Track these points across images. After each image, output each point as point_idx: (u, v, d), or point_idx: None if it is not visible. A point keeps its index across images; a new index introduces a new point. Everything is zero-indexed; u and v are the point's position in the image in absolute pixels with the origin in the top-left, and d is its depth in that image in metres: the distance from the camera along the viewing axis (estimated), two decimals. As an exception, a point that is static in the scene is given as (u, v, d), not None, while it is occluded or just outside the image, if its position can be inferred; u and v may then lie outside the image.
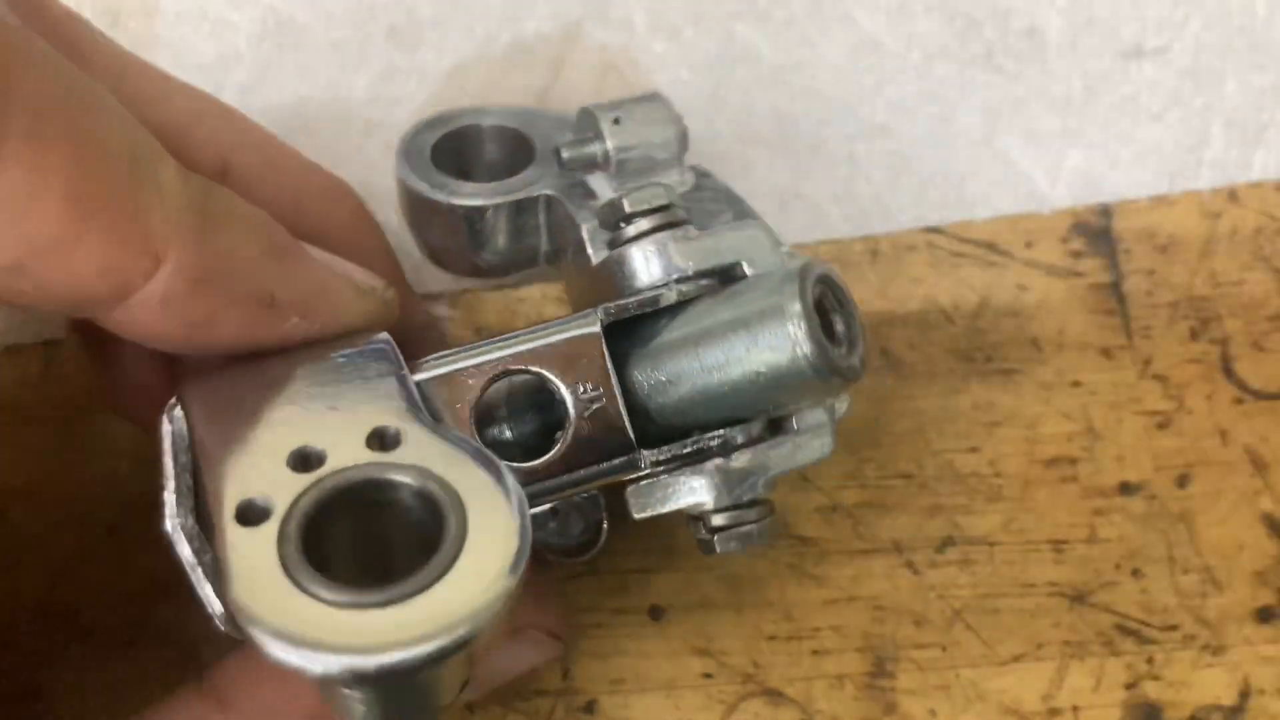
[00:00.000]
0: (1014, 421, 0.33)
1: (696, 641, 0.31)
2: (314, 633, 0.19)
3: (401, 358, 0.25)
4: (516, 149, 0.33)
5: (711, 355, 0.25)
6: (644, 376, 0.26)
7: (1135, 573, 0.31)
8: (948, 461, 0.32)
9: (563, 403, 0.26)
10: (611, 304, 0.26)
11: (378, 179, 0.34)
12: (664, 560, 0.32)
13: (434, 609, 0.19)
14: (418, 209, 0.32)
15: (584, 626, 0.31)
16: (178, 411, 0.24)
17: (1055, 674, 0.30)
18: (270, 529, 0.20)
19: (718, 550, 0.27)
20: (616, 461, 0.26)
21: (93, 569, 0.32)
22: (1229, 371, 0.33)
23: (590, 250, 0.29)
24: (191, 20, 0.39)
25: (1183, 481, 0.32)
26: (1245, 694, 0.30)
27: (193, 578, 0.23)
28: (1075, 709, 0.30)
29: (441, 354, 0.26)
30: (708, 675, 0.31)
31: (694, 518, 0.27)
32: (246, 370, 0.24)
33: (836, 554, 0.32)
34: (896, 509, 0.32)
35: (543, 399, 0.27)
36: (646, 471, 0.26)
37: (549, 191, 0.31)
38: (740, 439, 0.27)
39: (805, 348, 0.24)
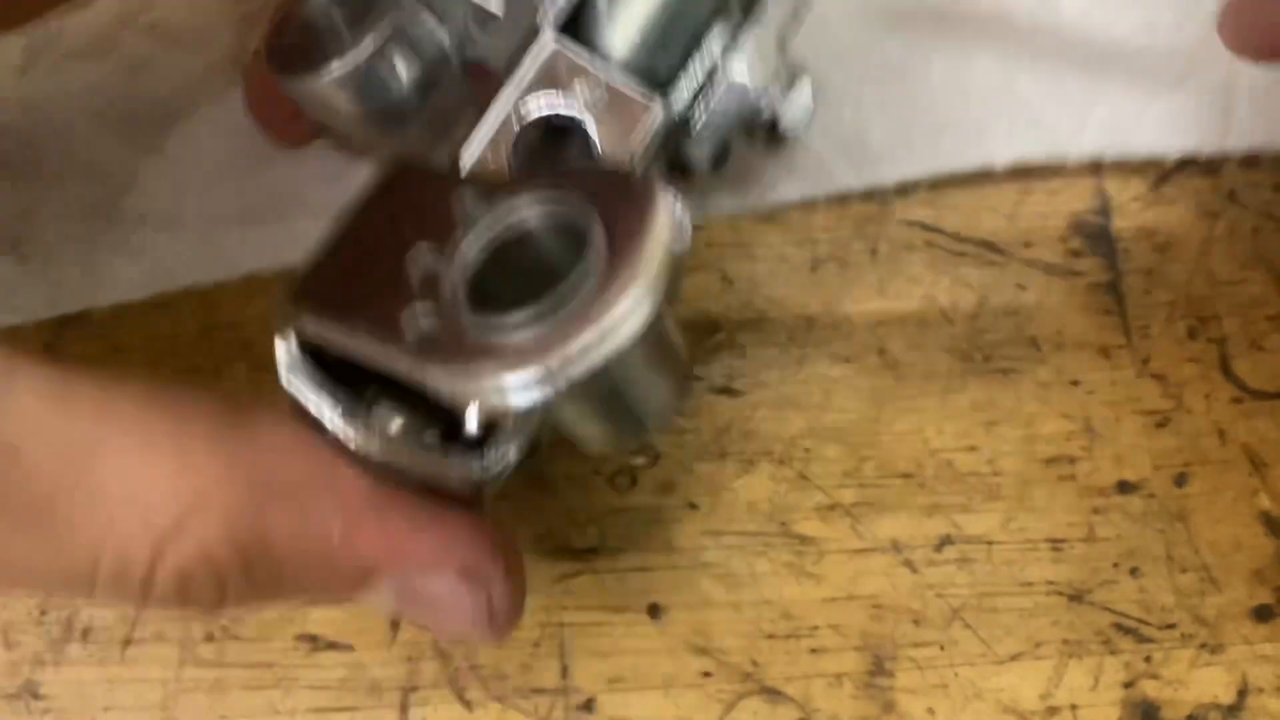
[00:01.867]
0: (1012, 420, 0.33)
1: (695, 640, 0.31)
2: (507, 360, 0.19)
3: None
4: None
5: None
6: (620, 38, 0.27)
7: (1133, 571, 0.31)
8: (946, 460, 0.32)
9: (573, 109, 0.26)
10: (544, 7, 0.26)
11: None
12: (663, 558, 0.32)
13: (605, 297, 0.20)
14: (326, 114, 0.30)
15: (583, 625, 0.31)
16: (288, 347, 0.24)
17: (1053, 672, 0.30)
18: (433, 315, 0.21)
19: (789, 131, 0.28)
20: (652, 123, 0.26)
21: (92, 568, 0.32)
22: (1227, 371, 0.33)
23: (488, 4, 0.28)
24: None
25: (1181, 480, 0.32)
26: (1243, 692, 0.30)
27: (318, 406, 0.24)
28: (1073, 707, 0.30)
29: (459, 148, 0.26)
30: (706, 674, 0.31)
31: (747, 128, 0.28)
32: (332, 254, 0.24)
33: (835, 553, 0.32)
34: (895, 508, 0.32)
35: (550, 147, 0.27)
36: (683, 109, 0.27)
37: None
38: (730, 28, 0.27)
39: None
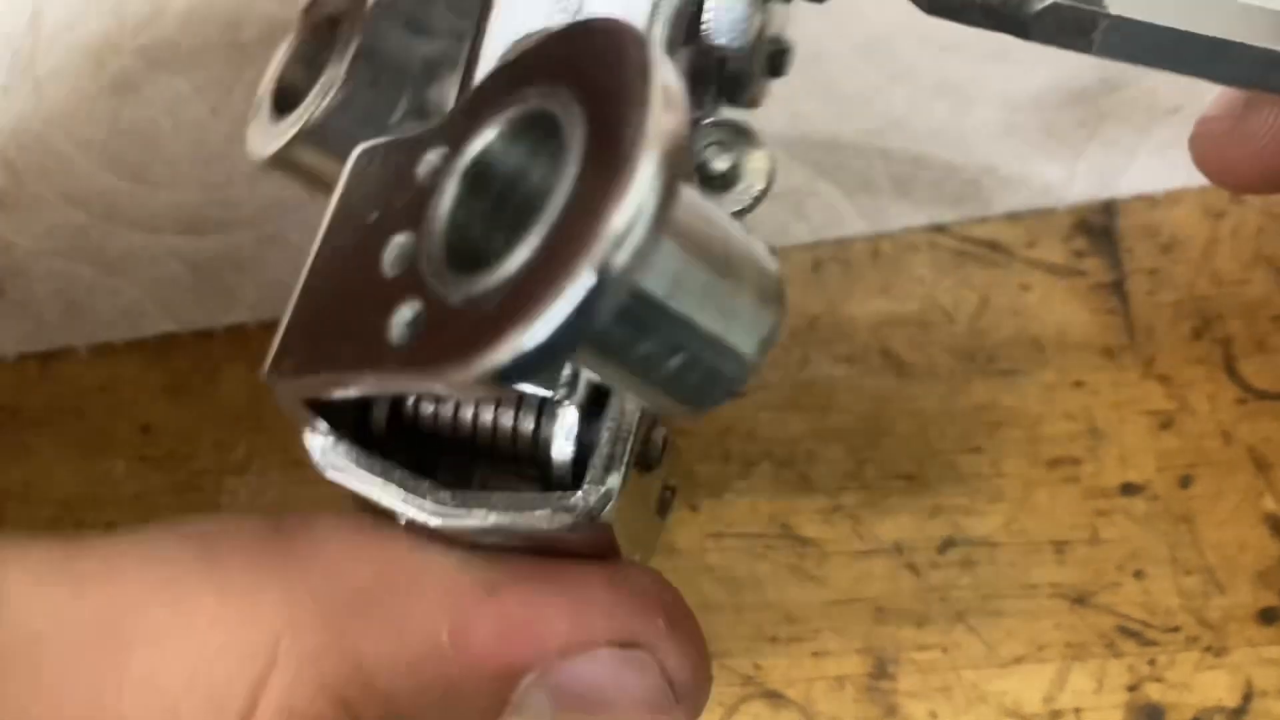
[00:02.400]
0: (1016, 422, 0.32)
1: (697, 642, 0.31)
2: (504, 314, 0.15)
3: None
4: None
5: None
6: None
7: (1137, 574, 0.31)
8: (949, 462, 0.32)
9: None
10: None
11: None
12: (664, 561, 0.32)
13: (604, 181, 0.15)
14: None
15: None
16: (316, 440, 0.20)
17: (1057, 675, 0.30)
18: (417, 306, 0.16)
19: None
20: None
21: (91, 569, 0.32)
22: (1232, 371, 0.33)
23: None
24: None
25: (1185, 482, 0.32)
26: (1248, 696, 0.30)
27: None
28: (1077, 711, 0.30)
29: None
30: (708, 676, 0.30)
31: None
32: (305, 293, 0.19)
33: (837, 555, 0.31)
34: (897, 510, 0.32)
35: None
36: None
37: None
38: None
39: None
